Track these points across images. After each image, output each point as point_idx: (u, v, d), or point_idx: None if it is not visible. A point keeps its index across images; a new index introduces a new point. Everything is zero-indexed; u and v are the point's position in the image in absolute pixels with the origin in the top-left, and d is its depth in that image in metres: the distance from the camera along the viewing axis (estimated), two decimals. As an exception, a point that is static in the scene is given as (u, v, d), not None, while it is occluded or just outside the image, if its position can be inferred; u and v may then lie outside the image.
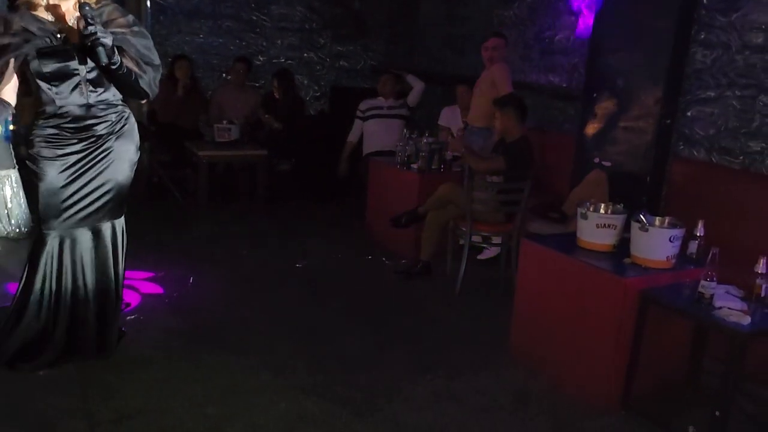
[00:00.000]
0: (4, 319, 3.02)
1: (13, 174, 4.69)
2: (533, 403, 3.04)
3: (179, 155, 5.94)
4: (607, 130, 4.58)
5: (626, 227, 3.15)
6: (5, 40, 2.66)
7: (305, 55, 7.67)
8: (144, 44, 2.90)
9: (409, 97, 6.11)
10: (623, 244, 3.15)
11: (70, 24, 2.79)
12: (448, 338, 3.67)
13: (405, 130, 5.37)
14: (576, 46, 5.27)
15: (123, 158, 3.03)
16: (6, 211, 4.74)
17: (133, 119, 3.09)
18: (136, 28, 2.86)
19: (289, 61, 7.56)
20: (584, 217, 3.19)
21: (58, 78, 2.79)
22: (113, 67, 2.75)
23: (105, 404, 2.76)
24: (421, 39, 7.47)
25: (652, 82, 4.26)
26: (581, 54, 5.14)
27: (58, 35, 2.77)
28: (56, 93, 2.82)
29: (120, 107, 3.01)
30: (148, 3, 6.78)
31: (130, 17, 2.88)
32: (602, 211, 3.24)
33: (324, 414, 2.81)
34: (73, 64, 2.80)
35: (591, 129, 4.70)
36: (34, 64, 2.74)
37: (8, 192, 4.72)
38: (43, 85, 2.80)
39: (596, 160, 4.61)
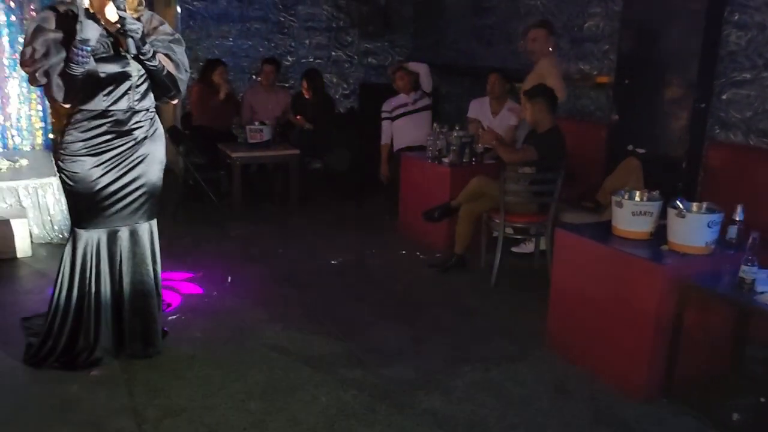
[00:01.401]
0: (49, 322, 3.10)
1: (55, 181, 4.83)
2: (572, 393, 3.03)
3: (213, 157, 6.04)
4: (641, 117, 4.52)
5: (662, 214, 3.11)
6: (62, 37, 2.70)
7: (333, 53, 7.72)
8: (181, 51, 3.04)
9: (422, 83, 6.08)
10: (660, 232, 3.11)
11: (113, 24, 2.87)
12: (485, 330, 3.68)
13: (435, 124, 5.37)
14: (606, 32, 5.21)
15: (155, 160, 3.10)
16: (49, 218, 4.89)
17: (160, 122, 3.17)
18: (176, 36, 2.98)
19: (318, 61, 7.62)
20: (619, 205, 3.16)
21: (114, 82, 2.86)
22: (143, 57, 2.82)
23: (151, 402, 2.84)
24: (446, 32, 7.45)
25: (685, 65, 4.19)
26: (612, 41, 5.08)
27: (112, 40, 2.84)
28: (106, 96, 2.87)
29: (153, 110, 3.10)
30: (179, 8, 6.90)
31: (168, 25, 2.97)
32: (637, 198, 3.20)
33: (364, 407, 2.85)
34: (128, 69, 2.87)
35: (624, 116, 4.64)
36: (89, 66, 2.77)
37: (50, 199, 4.87)
38: (95, 88, 2.84)
39: (630, 147, 4.55)
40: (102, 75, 2.82)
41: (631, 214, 3.13)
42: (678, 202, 2.99)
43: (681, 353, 2.90)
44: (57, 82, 2.74)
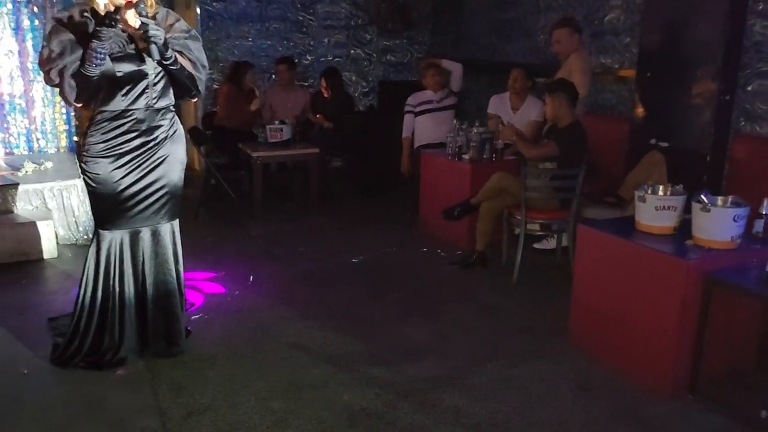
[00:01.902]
0: (74, 322, 3.15)
1: (79, 183, 4.90)
2: (595, 390, 3.00)
3: (234, 157, 6.08)
4: (663, 110, 4.45)
5: (687, 208, 3.07)
6: (78, 37, 2.73)
7: (352, 51, 7.73)
8: (198, 47, 3.03)
9: (452, 83, 6.05)
10: (684, 226, 3.07)
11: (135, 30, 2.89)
12: (507, 327, 3.65)
13: (455, 121, 5.35)
14: (627, 25, 5.15)
15: (176, 160, 3.13)
16: (74, 219, 4.96)
17: (180, 123, 3.18)
18: (192, 32, 2.98)
19: (337, 59, 7.63)
20: (642, 200, 3.13)
21: (131, 81, 2.89)
22: (166, 62, 2.86)
23: (175, 401, 2.87)
24: (466, 27, 7.41)
25: (709, 57, 4.12)
26: (633, 33, 5.01)
27: (127, 40, 2.86)
28: (124, 96, 2.90)
29: (172, 112, 3.11)
30: (198, 9, 6.95)
31: (183, 22, 2.98)
32: (661, 192, 3.16)
33: (386, 406, 2.85)
34: (144, 68, 2.89)
35: (646, 110, 4.58)
36: (106, 66, 2.79)
37: (75, 200, 4.94)
38: (113, 88, 2.87)
39: (652, 141, 4.49)
40: (119, 74, 2.85)
41: (655, 208, 3.09)
42: (702, 196, 2.94)
43: (707, 349, 2.86)
44: (69, 82, 2.77)
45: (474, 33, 7.28)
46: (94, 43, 2.68)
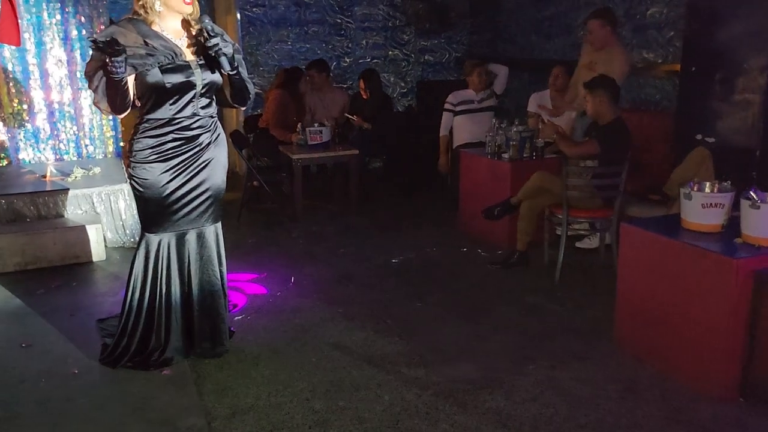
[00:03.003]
0: (122, 323, 3.22)
1: (126, 187, 5.03)
2: (642, 392, 2.94)
3: (275, 160, 6.15)
4: (710, 105, 4.34)
5: (735, 206, 2.98)
6: (130, 52, 2.79)
7: (390, 52, 7.74)
8: (241, 58, 3.10)
9: (496, 85, 6.01)
10: (732, 224, 2.98)
11: (182, 40, 2.98)
12: (549, 328, 3.61)
13: (494, 120, 5.31)
14: (671, 18, 5.03)
15: (219, 164, 3.19)
16: (121, 222, 5.09)
17: (221, 128, 3.26)
18: (235, 45, 3.04)
19: (375, 60, 7.65)
20: (688, 197, 3.05)
21: (179, 91, 2.95)
22: (233, 74, 2.98)
23: (219, 401, 2.91)
24: (504, 26, 7.35)
25: (757, 49, 3.99)
26: (677, 27, 4.90)
27: (176, 51, 2.93)
28: (172, 105, 2.97)
29: (215, 118, 3.18)
30: (238, 15, 7.06)
31: (226, 34, 3.04)
32: (708, 189, 3.08)
33: (427, 406, 2.84)
34: (193, 78, 2.96)
35: (691, 104, 4.47)
36: (155, 78, 2.87)
37: (122, 204, 5.07)
38: (161, 97, 2.95)
39: (699, 137, 4.38)
40: (168, 85, 2.91)
41: (702, 206, 3.01)
42: (752, 193, 2.86)
43: (758, 350, 2.77)
44: (102, 89, 2.86)
45: (512, 31, 7.21)
46: (111, 62, 2.71)
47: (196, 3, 2.95)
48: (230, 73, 2.99)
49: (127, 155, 3.11)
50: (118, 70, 2.69)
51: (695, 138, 4.40)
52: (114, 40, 2.69)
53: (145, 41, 2.84)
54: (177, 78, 2.92)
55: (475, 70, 5.90)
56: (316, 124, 6.06)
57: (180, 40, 2.97)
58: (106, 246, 4.93)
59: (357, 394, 2.95)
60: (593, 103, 4.22)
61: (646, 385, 2.99)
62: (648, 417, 2.76)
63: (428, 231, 5.42)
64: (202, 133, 3.08)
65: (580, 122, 4.94)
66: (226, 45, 2.90)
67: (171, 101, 2.96)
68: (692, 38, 4.49)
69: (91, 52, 2.92)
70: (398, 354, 3.33)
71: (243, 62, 3.13)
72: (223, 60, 2.91)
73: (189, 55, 2.98)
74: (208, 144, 3.11)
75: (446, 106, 5.95)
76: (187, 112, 3.01)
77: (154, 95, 2.94)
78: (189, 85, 2.96)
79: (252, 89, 3.22)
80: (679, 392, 2.92)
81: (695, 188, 3.07)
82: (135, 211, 5.00)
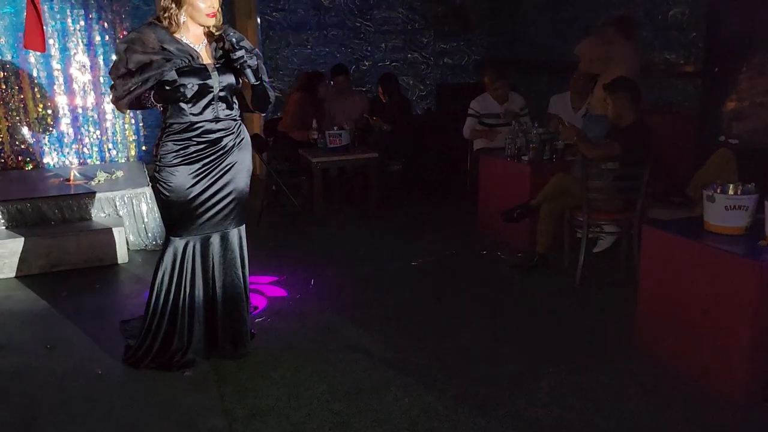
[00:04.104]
0: (146, 324, 3.26)
1: (148, 191, 5.09)
2: (664, 396, 2.91)
3: (295, 163, 6.19)
4: (733, 106, 4.29)
5: (759, 208, 2.95)
6: (146, 58, 2.87)
7: (409, 55, 7.75)
8: (261, 63, 3.12)
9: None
10: (756, 226, 2.94)
11: (202, 46, 3.02)
12: (570, 331, 3.59)
13: (513, 122, 5.29)
14: (692, 19, 4.98)
15: (243, 167, 3.21)
16: (143, 225, 5.15)
17: (246, 131, 3.28)
18: (254, 50, 3.07)
19: (394, 63, 7.67)
20: (711, 199, 3.02)
21: (197, 95, 2.99)
22: (257, 84, 3.03)
23: (240, 402, 2.94)
24: (524, 28, 7.33)
25: (781, 49, 3.95)
26: (698, 28, 4.85)
27: (193, 54, 2.97)
28: (191, 109, 3.01)
29: (239, 121, 3.21)
30: (258, 20, 7.12)
31: (246, 40, 3.08)
32: (731, 192, 3.04)
33: (447, 409, 2.84)
34: (210, 82, 2.99)
35: (714, 106, 4.42)
36: (179, 84, 2.91)
37: (144, 207, 5.14)
38: (181, 102, 2.99)
39: (721, 138, 4.34)
40: (189, 92, 2.94)
41: (725, 208, 2.98)
42: (776, 195, 2.82)
43: (783, 355, 2.74)
44: (129, 101, 2.97)
45: (531, 33, 7.19)
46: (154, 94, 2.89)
47: (219, 14, 2.99)
48: (256, 84, 3.04)
49: (154, 159, 3.16)
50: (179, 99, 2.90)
51: (718, 139, 4.35)
52: (181, 84, 2.89)
53: (162, 46, 2.90)
54: (193, 80, 2.95)
55: (497, 82, 5.83)
56: (335, 128, 6.09)
57: (198, 45, 3.00)
58: (128, 249, 4.99)
59: (377, 396, 2.96)
60: (614, 106, 4.19)
61: (669, 389, 2.96)
62: (670, 421, 2.73)
63: (447, 233, 5.42)
64: (224, 136, 3.10)
65: (590, 123, 4.92)
66: (251, 57, 2.95)
67: (190, 105, 2.99)
68: (715, 39, 4.44)
69: (114, 57, 2.99)
70: (418, 356, 3.33)
71: (264, 69, 3.16)
72: (248, 72, 2.97)
73: (206, 59, 3.01)
74: (232, 147, 3.14)
75: (471, 111, 5.92)
76: (208, 115, 3.04)
77: (173, 99, 2.98)
78: (206, 88, 2.99)
79: (273, 96, 3.25)
80: (702, 396, 2.89)
81: (718, 190, 3.03)
82: (157, 214, 5.07)
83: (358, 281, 4.41)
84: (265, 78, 3.15)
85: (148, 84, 2.87)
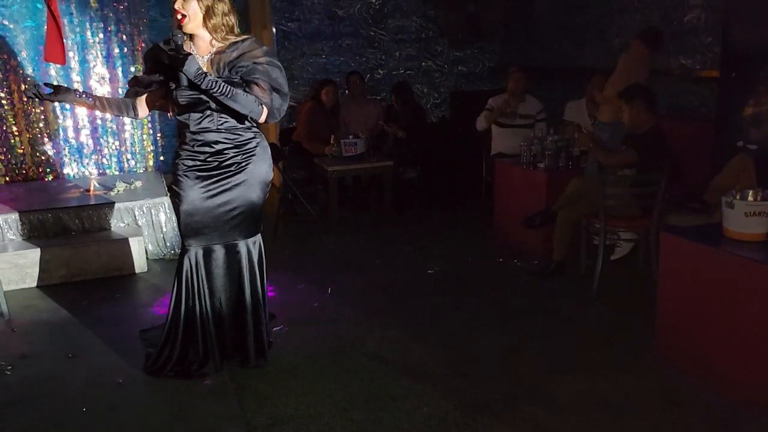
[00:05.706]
0: (165, 333, 3.30)
1: (166, 201, 5.14)
2: (685, 405, 2.89)
3: (310, 172, 6.22)
4: (751, 111, 4.26)
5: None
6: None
7: (423, 64, 7.77)
8: (274, 73, 3.04)
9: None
10: (777, 232, 2.92)
11: (206, 58, 3.03)
12: (588, 338, 3.57)
13: (533, 130, 5.29)
14: (709, 24, 4.96)
15: (255, 180, 3.19)
16: (162, 235, 5.20)
17: (265, 142, 3.24)
18: (268, 59, 3.03)
19: (408, 72, 7.69)
20: (730, 205, 3.00)
21: (191, 108, 3.03)
22: (198, 83, 2.83)
23: (259, 411, 2.95)
24: (537, 34, 7.32)
25: (799, 54, 3.92)
26: (715, 32, 4.83)
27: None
28: (191, 121, 3.06)
29: (251, 132, 3.17)
30: (274, 30, 7.17)
31: (266, 49, 3.06)
32: (750, 198, 3.02)
33: (465, 417, 2.84)
34: (202, 96, 2.97)
35: (732, 111, 4.39)
36: (175, 94, 3.00)
37: (162, 217, 5.18)
38: (182, 111, 3.05)
39: (740, 143, 4.30)
40: (182, 101, 3.00)
41: (744, 214, 2.96)
42: (796, 201, 2.80)
43: (806, 362, 2.71)
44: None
45: (545, 39, 7.18)
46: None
47: (195, 20, 2.92)
48: (196, 82, 2.84)
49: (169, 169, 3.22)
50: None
51: (736, 145, 4.32)
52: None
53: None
54: (187, 93, 2.97)
55: (514, 74, 5.84)
56: (350, 136, 6.11)
57: (203, 58, 3.02)
58: (147, 258, 5.04)
59: (395, 405, 2.96)
60: (630, 113, 4.18)
61: (689, 397, 2.94)
62: (691, 430, 2.71)
63: (463, 241, 5.42)
64: (228, 148, 3.10)
65: (599, 130, 4.91)
66: (192, 68, 2.77)
67: (188, 117, 3.05)
68: (732, 43, 4.42)
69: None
70: (435, 364, 3.33)
71: (281, 77, 3.05)
72: (181, 76, 2.86)
73: (207, 69, 2.99)
74: (240, 159, 3.12)
75: (487, 106, 5.91)
76: (209, 127, 3.06)
77: (177, 109, 3.08)
78: (200, 101, 2.99)
79: (277, 110, 3.07)
80: (723, 404, 2.86)
81: (737, 196, 3.01)
82: (174, 224, 5.12)
83: (374, 289, 4.42)
84: (281, 89, 3.05)
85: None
